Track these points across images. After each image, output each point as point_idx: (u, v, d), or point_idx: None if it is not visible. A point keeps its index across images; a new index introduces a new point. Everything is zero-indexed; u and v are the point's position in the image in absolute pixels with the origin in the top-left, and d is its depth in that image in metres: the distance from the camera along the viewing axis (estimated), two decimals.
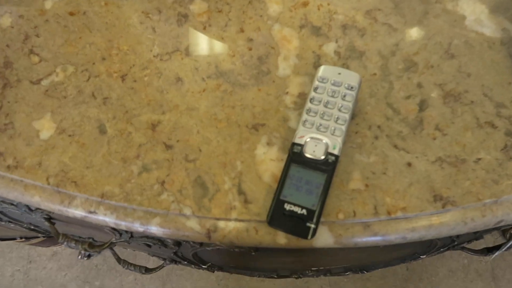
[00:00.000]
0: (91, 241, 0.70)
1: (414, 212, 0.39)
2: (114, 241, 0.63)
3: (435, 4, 0.49)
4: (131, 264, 0.84)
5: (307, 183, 0.38)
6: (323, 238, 0.39)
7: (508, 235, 0.66)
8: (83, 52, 0.51)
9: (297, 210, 0.38)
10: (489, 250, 0.79)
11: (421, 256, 0.81)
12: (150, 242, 0.59)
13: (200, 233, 0.41)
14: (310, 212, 0.37)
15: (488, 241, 0.71)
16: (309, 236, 0.37)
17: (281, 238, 0.39)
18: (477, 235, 0.72)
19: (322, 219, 0.39)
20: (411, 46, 0.47)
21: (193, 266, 0.88)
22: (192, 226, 0.41)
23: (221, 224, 0.41)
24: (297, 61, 0.48)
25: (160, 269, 0.88)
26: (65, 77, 0.49)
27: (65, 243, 0.61)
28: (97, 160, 0.45)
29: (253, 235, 0.40)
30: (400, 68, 0.46)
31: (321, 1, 0.51)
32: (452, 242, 0.71)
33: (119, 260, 0.83)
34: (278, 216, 0.38)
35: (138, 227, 0.42)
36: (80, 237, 0.83)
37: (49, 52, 0.50)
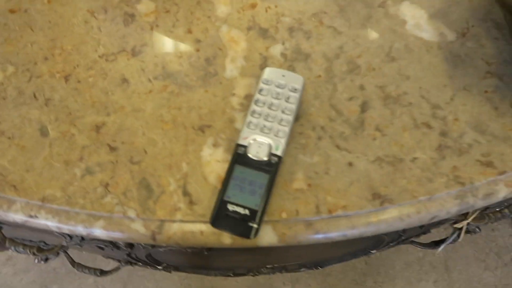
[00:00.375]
0: (40, 245, 0.68)
1: (353, 210, 0.40)
2: (65, 244, 0.61)
3: (378, 8, 0.51)
4: (85, 266, 0.82)
5: (250, 184, 0.39)
6: (267, 237, 0.40)
7: (452, 229, 0.69)
8: (24, 51, 0.50)
9: (240, 210, 0.38)
10: (436, 244, 0.82)
11: (372, 251, 0.84)
12: (102, 245, 0.58)
13: (145, 235, 0.41)
14: (253, 212, 0.38)
15: (442, 233, 0.74)
16: (252, 236, 0.37)
17: (226, 238, 0.40)
18: (423, 229, 0.75)
19: (266, 219, 0.40)
20: (354, 49, 0.48)
21: (148, 267, 0.87)
22: (136, 228, 0.41)
23: (166, 225, 0.40)
24: (244, 62, 0.48)
25: (116, 271, 0.87)
26: (4, 77, 0.48)
27: (12, 248, 0.59)
28: (38, 163, 0.43)
29: (198, 236, 0.40)
30: (344, 70, 0.47)
31: (269, 3, 0.52)
32: (400, 237, 0.74)
33: (73, 263, 0.81)
34: (221, 216, 0.38)
35: (81, 230, 0.42)
36: (31, 241, 0.81)
37: None
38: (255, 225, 0.38)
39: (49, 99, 0.47)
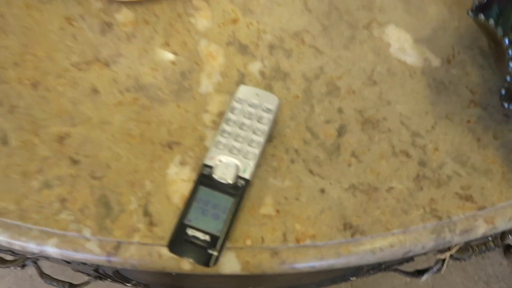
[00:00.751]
0: (4, 256, 0.65)
1: (323, 240, 0.37)
2: (30, 256, 0.58)
3: (362, 30, 0.49)
4: (54, 279, 0.79)
5: (214, 207, 0.36)
6: (230, 264, 0.37)
7: (435, 260, 0.67)
8: None
9: (200, 235, 0.36)
10: (420, 272, 0.80)
11: (351, 278, 0.81)
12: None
13: (99, 256, 0.38)
14: (214, 238, 0.35)
15: (431, 260, 0.71)
16: (211, 264, 0.35)
17: (186, 264, 0.37)
18: (406, 257, 0.72)
19: (229, 245, 0.37)
20: (335, 70, 0.47)
21: (118, 283, 0.84)
22: (91, 248, 0.38)
23: (123, 247, 0.38)
24: (220, 78, 0.46)
25: (85, 285, 0.84)
26: None
27: None
28: None
29: (156, 260, 0.38)
30: (323, 91, 0.45)
31: (250, 19, 0.50)
32: (380, 265, 0.71)
33: (41, 274, 0.78)
34: (179, 241, 0.36)
35: (33, 247, 0.39)
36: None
37: None
38: (215, 253, 0.35)
39: (15, 106, 0.45)
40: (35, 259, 0.68)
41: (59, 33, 0.50)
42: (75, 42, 0.49)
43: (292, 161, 0.41)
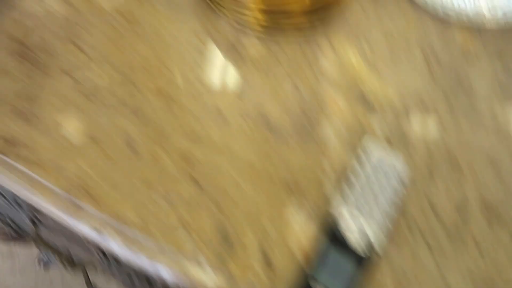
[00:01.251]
0: (72, 257, 0.63)
1: None
2: (99, 264, 0.57)
3: (487, 112, 0.49)
4: None
5: (340, 269, 0.36)
6: None
7: None
8: (127, 58, 0.48)
9: None
10: None
11: None
12: (136, 277, 0.54)
13: None
14: None
15: None
16: None
17: None
18: None
19: None
20: (460, 150, 0.46)
21: None
22: (203, 279, 0.38)
23: (237, 286, 0.38)
24: (342, 128, 0.46)
25: None
26: (104, 79, 0.46)
27: (43, 251, 0.56)
28: (118, 176, 0.41)
29: None
30: (446, 169, 0.45)
31: (375, 75, 0.50)
32: None
33: (88, 283, 0.74)
34: None
35: (144, 261, 0.39)
36: (55, 244, 0.75)
37: (92, 49, 0.47)
38: None
39: (143, 113, 0.45)
40: (96, 267, 0.64)
41: (189, 47, 0.50)
42: (203, 59, 0.50)
43: (414, 239, 0.41)
